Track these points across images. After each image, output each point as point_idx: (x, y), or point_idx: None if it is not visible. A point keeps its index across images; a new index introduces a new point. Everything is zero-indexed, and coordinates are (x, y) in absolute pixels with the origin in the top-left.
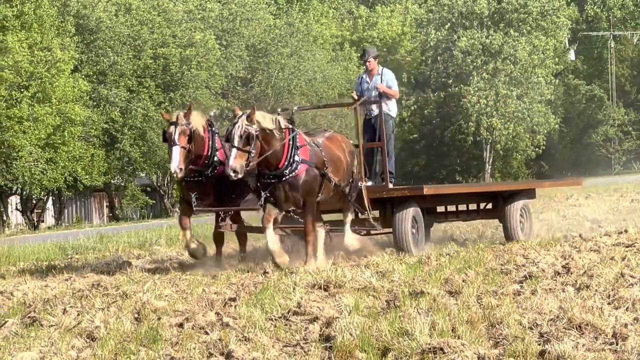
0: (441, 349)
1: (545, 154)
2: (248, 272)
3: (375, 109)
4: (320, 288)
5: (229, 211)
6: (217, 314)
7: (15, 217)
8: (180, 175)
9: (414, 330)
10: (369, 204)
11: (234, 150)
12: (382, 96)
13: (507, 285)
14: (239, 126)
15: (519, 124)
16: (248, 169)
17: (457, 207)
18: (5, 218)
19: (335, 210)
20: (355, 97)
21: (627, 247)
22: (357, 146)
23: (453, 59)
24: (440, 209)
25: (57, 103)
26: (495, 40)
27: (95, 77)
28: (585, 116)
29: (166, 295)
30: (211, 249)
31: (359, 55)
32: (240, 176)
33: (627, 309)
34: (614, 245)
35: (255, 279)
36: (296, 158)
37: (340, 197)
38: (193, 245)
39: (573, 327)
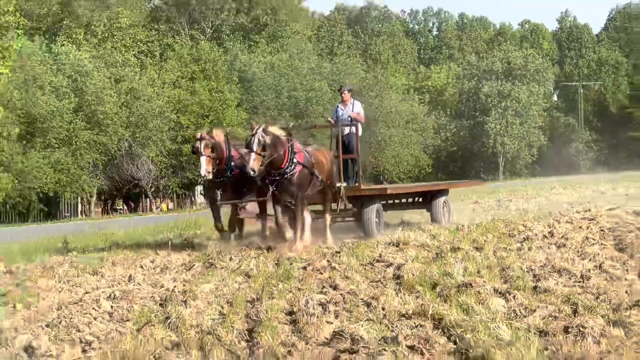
0: (470, 284)
1: (538, 161)
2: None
3: (347, 130)
4: (393, 245)
5: (244, 202)
6: (328, 261)
7: (199, 198)
8: (208, 177)
9: (453, 272)
10: (346, 199)
11: (253, 154)
12: (353, 120)
13: (513, 244)
14: (257, 136)
15: (520, 141)
16: (262, 168)
17: (406, 200)
18: (193, 199)
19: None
20: (332, 122)
21: (590, 220)
22: (337, 157)
23: (479, 99)
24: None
25: (227, 127)
26: (506, 87)
27: (250, 109)
28: (564, 136)
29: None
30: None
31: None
32: (257, 175)
33: (589, 260)
34: (581, 219)
35: (353, 240)
36: (295, 160)
37: (323, 194)
38: (227, 239)
39: (555, 271)
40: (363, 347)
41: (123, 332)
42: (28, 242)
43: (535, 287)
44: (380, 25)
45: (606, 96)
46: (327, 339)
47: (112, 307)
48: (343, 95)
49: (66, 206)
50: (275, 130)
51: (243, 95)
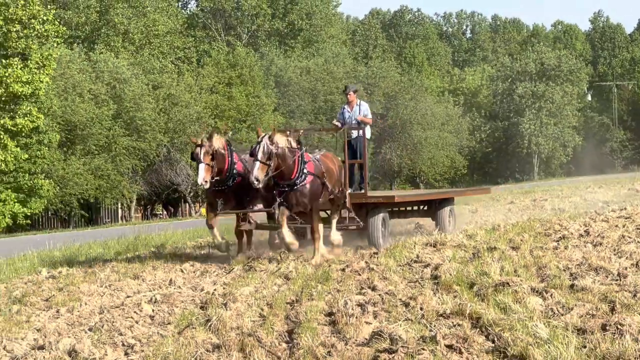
0: (507, 283)
1: (573, 160)
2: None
3: (354, 133)
4: (431, 245)
5: (246, 213)
6: (366, 262)
7: None
8: (206, 186)
9: (490, 272)
10: (351, 206)
11: (257, 163)
12: (360, 123)
13: (549, 243)
14: (262, 144)
15: (555, 141)
16: (266, 179)
17: (411, 208)
18: None
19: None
20: (339, 125)
21: (626, 218)
22: (343, 162)
23: (513, 100)
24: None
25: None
26: (539, 88)
27: (287, 113)
28: (598, 136)
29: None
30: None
31: (454, 100)
32: (260, 185)
33: (626, 258)
34: (617, 217)
35: (390, 242)
36: (305, 171)
37: (330, 201)
38: (218, 241)
39: (591, 270)
40: (402, 346)
41: (164, 335)
42: (71, 247)
43: (572, 286)
44: (414, 28)
45: None
46: (366, 339)
47: (153, 310)
48: (349, 96)
49: (106, 212)
50: (282, 139)
51: (280, 99)
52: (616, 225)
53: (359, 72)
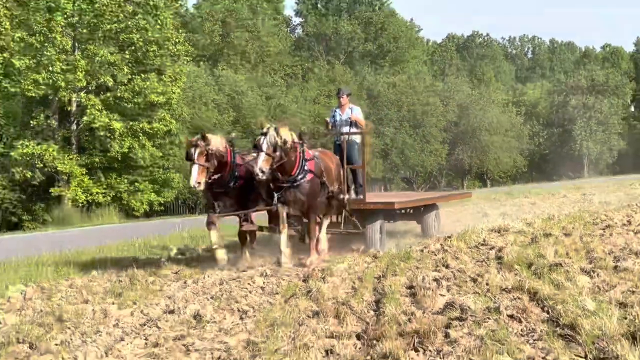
0: (560, 264)
1: (618, 161)
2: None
3: (344, 136)
4: (495, 231)
5: (248, 214)
6: (441, 244)
7: None
8: (199, 188)
9: (545, 254)
10: (350, 211)
11: (263, 154)
12: (353, 125)
13: (596, 230)
14: (268, 136)
15: (602, 145)
16: (271, 170)
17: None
18: None
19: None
20: (330, 125)
21: None
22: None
23: (567, 111)
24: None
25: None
26: (590, 100)
27: (377, 121)
28: (639, 141)
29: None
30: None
31: (517, 110)
32: (265, 177)
33: None
34: None
35: (459, 229)
36: (306, 168)
37: (327, 201)
38: (217, 245)
39: (633, 253)
40: (470, 315)
41: (273, 303)
42: (196, 230)
43: (615, 267)
44: (483, 50)
45: None
46: (440, 309)
47: (264, 282)
48: (341, 99)
49: None
50: (286, 133)
51: (371, 109)
52: None
53: (436, 87)
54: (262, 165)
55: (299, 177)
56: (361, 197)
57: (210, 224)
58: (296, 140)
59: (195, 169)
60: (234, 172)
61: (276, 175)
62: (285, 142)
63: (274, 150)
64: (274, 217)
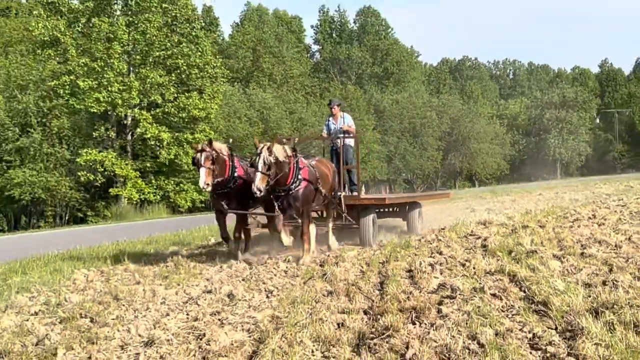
0: (535, 251)
1: (585, 165)
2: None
3: (339, 142)
4: (481, 224)
5: (254, 215)
6: (436, 235)
7: None
8: (208, 189)
9: (523, 243)
10: (345, 208)
11: (258, 174)
12: (345, 133)
13: (566, 223)
14: (262, 156)
15: (572, 151)
16: (267, 188)
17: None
18: None
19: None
20: (325, 135)
21: (622, 206)
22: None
23: (542, 123)
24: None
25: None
26: (561, 114)
27: (382, 131)
28: (604, 148)
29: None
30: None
31: (500, 122)
32: (262, 194)
33: (621, 234)
34: (616, 205)
35: (451, 222)
36: (299, 177)
37: (325, 205)
38: (234, 249)
39: (596, 242)
40: (459, 294)
41: (294, 284)
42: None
43: (582, 253)
44: (472, 71)
45: (634, 119)
46: (434, 288)
47: (286, 267)
48: (333, 110)
49: None
50: (279, 149)
51: (377, 122)
52: (615, 211)
53: (432, 103)
54: (258, 184)
55: (293, 185)
56: (356, 194)
57: (226, 240)
58: (289, 153)
59: (203, 171)
60: (234, 174)
61: (273, 186)
62: (277, 160)
63: (268, 169)
64: (272, 220)
